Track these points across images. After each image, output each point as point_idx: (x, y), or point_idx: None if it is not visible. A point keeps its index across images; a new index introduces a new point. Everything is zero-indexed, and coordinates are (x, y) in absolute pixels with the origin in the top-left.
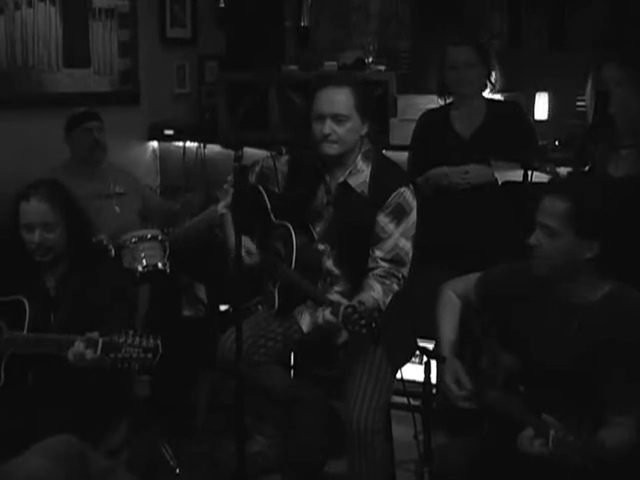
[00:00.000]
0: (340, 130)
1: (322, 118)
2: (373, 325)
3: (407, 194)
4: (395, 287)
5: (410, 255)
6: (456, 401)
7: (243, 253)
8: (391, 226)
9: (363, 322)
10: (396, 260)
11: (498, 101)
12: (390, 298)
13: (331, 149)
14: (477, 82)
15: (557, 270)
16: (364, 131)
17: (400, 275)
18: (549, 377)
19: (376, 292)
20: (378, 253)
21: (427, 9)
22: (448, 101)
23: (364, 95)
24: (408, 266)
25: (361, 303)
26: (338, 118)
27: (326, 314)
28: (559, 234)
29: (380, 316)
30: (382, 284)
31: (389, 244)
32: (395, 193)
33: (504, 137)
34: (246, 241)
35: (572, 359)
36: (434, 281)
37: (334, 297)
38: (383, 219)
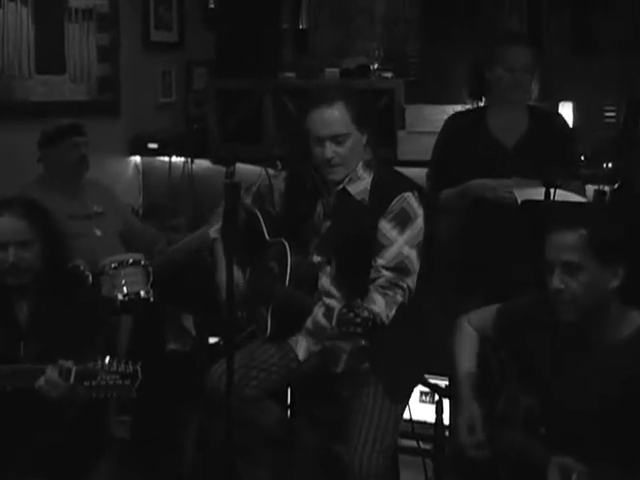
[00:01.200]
0: (342, 151)
1: (321, 141)
2: (369, 324)
3: (411, 199)
4: (399, 298)
5: (416, 265)
6: (468, 449)
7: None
8: (394, 233)
9: (358, 321)
10: (400, 269)
11: (541, 110)
12: (394, 311)
13: (337, 174)
14: (529, 88)
15: (586, 310)
16: (364, 141)
17: (405, 285)
18: (574, 418)
19: (377, 305)
20: (380, 261)
21: (438, 10)
22: (476, 105)
23: (360, 105)
24: (414, 276)
25: (359, 305)
26: (337, 139)
27: (318, 315)
28: (583, 268)
29: (384, 332)
30: (384, 295)
31: (392, 251)
32: (398, 198)
33: (548, 150)
34: (234, 272)
35: (600, 399)
36: (450, 310)
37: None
38: (385, 225)
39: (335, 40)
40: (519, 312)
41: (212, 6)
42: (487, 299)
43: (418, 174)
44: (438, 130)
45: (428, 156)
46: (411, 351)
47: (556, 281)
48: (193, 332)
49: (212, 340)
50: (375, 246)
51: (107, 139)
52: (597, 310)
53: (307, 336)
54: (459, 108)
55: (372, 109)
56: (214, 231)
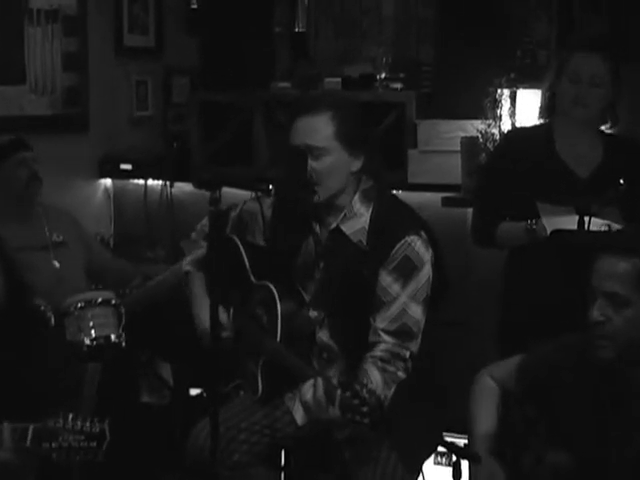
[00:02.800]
0: (318, 167)
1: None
2: (378, 413)
3: (417, 244)
4: (400, 375)
5: (422, 324)
6: None
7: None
8: (396, 287)
9: (365, 410)
10: (402, 332)
11: (615, 135)
12: (393, 390)
13: (319, 196)
14: (599, 105)
15: (627, 349)
16: (356, 167)
17: (407, 354)
18: (611, 476)
19: (374, 382)
20: (379, 323)
21: (454, 11)
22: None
23: (353, 121)
24: (418, 339)
25: (363, 386)
26: (314, 152)
27: (318, 392)
28: (630, 302)
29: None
30: (382, 371)
31: (393, 311)
32: (401, 243)
33: (629, 183)
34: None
35: (638, 457)
36: (468, 360)
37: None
38: (386, 278)
39: (336, 45)
40: (544, 361)
41: (194, 6)
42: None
43: (430, 199)
44: (454, 149)
45: (443, 178)
46: (431, 412)
47: (596, 313)
48: (171, 383)
49: (193, 392)
50: (375, 301)
51: (73, 159)
52: (637, 352)
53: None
54: (479, 124)
55: (372, 129)
56: (188, 263)
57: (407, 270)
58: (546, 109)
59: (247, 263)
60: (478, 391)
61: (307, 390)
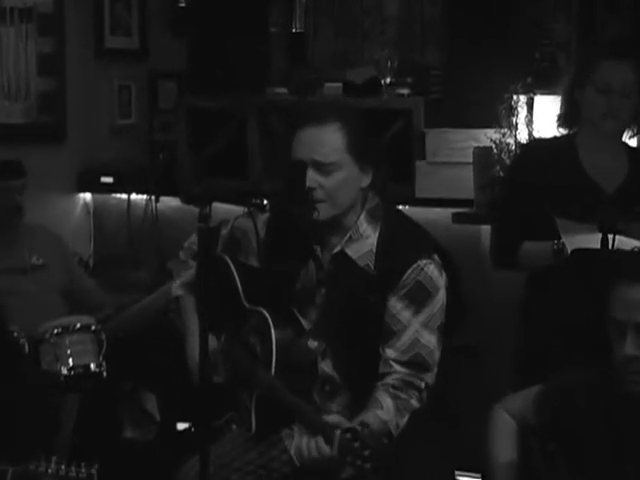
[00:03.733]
0: (328, 183)
1: None
2: (379, 458)
3: (430, 268)
4: (414, 404)
5: (437, 355)
6: None
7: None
8: (407, 314)
9: (367, 454)
10: (416, 363)
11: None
12: (406, 419)
13: (319, 212)
14: (627, 116)
15: None
16: (366, 182)
17: (422, 385)
18: None
19: (385, 410)
20: (390, 353)
21: (465, 9)
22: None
23: (362, 131)
24: (434, 371)
25: (364, 426)
26: (323, 167)
27: (319, 443)
28: None
29: (390, 445)
30: (395, 399)
31: (405, 340)
32: (413, 268)
33: None
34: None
35: None
36: (482, 388)
37: (331, 418)
38: (396, 304)
39: (336, 46)
40: (565, 392)
41: (182, 4)
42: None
43: (440, 215)
44: (466, 160)
45: (453, 192)
46: (442, 450)
47: (630, 347)
48: (157, 416)
49: (181, 427)
50: (384, 330)
51: (50, 171)
52: None
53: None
54: (493, 133)
55: (381, 142)
56: (177, 286)
57: (420, 297)
58: (567, 119)
59: (240, 286)
60: (494, 427)
61: (306, 446)
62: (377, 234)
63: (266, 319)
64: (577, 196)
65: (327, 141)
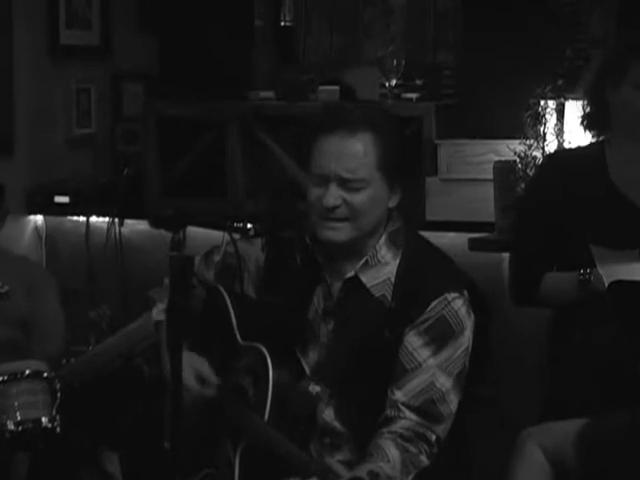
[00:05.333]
0: (354, 201)
1: (324, 181)
2: None
3: (458, 303)
4: (423, 460)
5: (453, 406)
6: None
7: (194, 383)
8: (425, 352)
9: None
10: (428, 413)
11: None
12: (412, 477)
13: (338, 233)
14: None
15: None
16: (393, 203)
17: (434, 438)
18: None
19: (391, 464)
20: (400, 396)
21: (485, 2)
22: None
23: (396, 145)
24: (448, 424)
25: (374, 476)
26: (351, 184)
27: None
28: None
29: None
30: (403, 452)
31: (419, 382)
32: (439, 300)
33: None
34: (200, 365)
35: None
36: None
37: (335, 466)
38: (414, 340)
39: (332, 43)
40: (618, 433)
41: None
42: None
43: (455, 241)
44: (485, 177)
45: (471, 214)
46: None
47: None
48: (119, 478)
49: None
50: (396, 369)
51: None
52: None
53: None
54: (517, 145)
55: (410, 156)
56: (159, 312)
57: (442, 334)
58: (596, 121)
59: (234, 319)
60: (521, 464)
61: None
62: (397, 261)
63: (264, 357)
64: (610, 218)
65: (357, 154)
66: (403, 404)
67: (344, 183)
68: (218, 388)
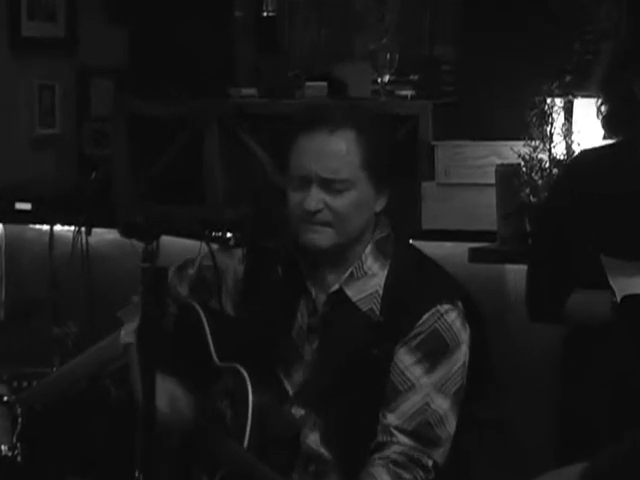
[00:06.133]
0: (337, 204)
1: (304, 183)
2: None
3: (451, 316)
4: None
5: (450, 428)
6: None
7: (167, 409)
8: (418, 371)
9: None
10: (423, 436)
11: None
12: None
13: (321, 238)
14: None
15: None
16: (380, 206)
17: (430, 463)
18: None
19: None
20: (392, 419)
21: None
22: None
23: (381, 143)
24: (445, 448)
25: None
26: (334, 185)
27: None
28: None
29: None
30: (395, 478)
31: (412, 403)
32: (430, 313)
33: None
34: (172, 388)
35: None
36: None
37: None
38: (405, 357)
39: (321, 35)
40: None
41: None
42: None
43: (453, 252)
44: (487, 181)
45: (470, 222)
46: None
47: None
48: None
49: None
50: (387, 390)
51: None
52: None
53: None
54: (521, 147)
55: (397, 156)
56: (127, 333)
57: (436, 350)
58: (619, 122)
59: (210, 338)
60: None
61: None
62: (385, 272)
63: (242, 378)
64: (625, 226)
65: (339, 153)
66: (396, 428)
67: (326, 184)
68: (194, 418)
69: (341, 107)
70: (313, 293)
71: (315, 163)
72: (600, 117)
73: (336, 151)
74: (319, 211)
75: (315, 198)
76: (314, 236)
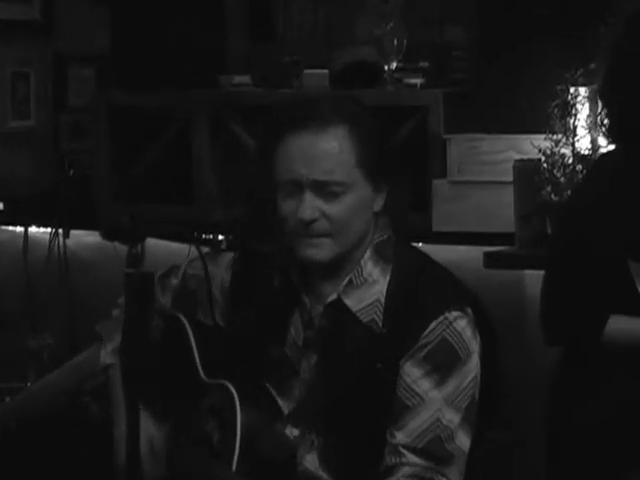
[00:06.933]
0: (334, 210)
1: (296, 189)
2: None
3: (461, 324)
4: None
5: (464, 443)
6: None
7: (148, 456)
8: (427, 384)
9: None
10: (434, 452)
11: None
12: None
13: (319, 251)
14: None
15: None
16: (379, 205)
17: None
18: None
19: None
20: (401, 438)
21: None
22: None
23: (375, 137)
24: (460, 466)
25: None
26: (329, 189)
27: None
28: None
29: None
30: None
31: (422, 418)
32: (438, 321)
33: None
34: (145, 424)
35: None
36: None
37: None
38: (412, 371)
39: (317, 19)
40: None
41: None
42: None
43: (466, 256)
44: (503, 179)
45: (485, 224)
46: None
47: None
48: None
49: None
50: (395, 407)
51: None
52: None
53: None
54: (542, 140)
55: (397, 150)
56: (107, 353)
57: (446, 361)
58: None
59: (196, 352)
60: None
61: None
62: (387, 279)
63: (231, 396)
64: None
65: (331, 152)
66: (405, 447)
67: (320, 188)
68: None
69: (329, 99)
70: (308, 304)
71: (306, 166)
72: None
73: (328, 150)
74: (315, 220)
75: (309, 206)
76: (312, 251)
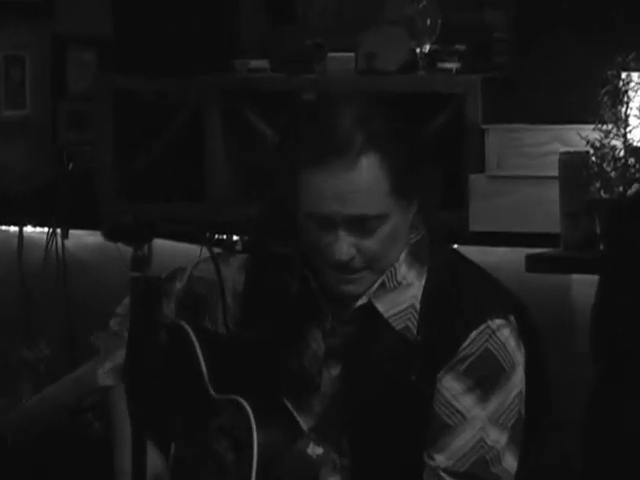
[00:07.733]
0: (370, 244)
1: (329, 225)
2: None
3: (504, 333)
4: None
5: (512, 466)
6: None
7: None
8: (469, 400)
9: None
10: (479, 476)
11: None
12: None
13: (358, 287)
14: None
15: None
16: (412, 212)
17: None
18: None
19: None
20: (441, 460)
21: None
22: None
23: (405, 153)
24: None
25: None
26: (363, 225)
27: None
28: None
29: None
30: None
31: (464, 439)
32: (479, 330)
33: None
34: (150, 455)
35: None
36: None
37: None
38: (452, 385)
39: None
40: None
41: None
42: None
43: (507, 258)
44: (548, 174)
45: (527, 223)
46: None
47: None
48: None
49: None
50: (432, 426)
51: None
52: None
53: None
54: (590, 131)
55: (430, 145)
56: (105, 372)
57: (489, 374)
58: None
59: (204, 365)
60: None
61: None
62: (423, 282)
63: (245, 413)
64: None
65: (365, 186)
66: (446, 471)
67: (354, 224)
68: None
69: (352, 119)
70: (329, 310)
71: (339, 203)
72: None
73: (361, 184)
74: (352, 259)
75: (345, 244)
76: (350, 287)
